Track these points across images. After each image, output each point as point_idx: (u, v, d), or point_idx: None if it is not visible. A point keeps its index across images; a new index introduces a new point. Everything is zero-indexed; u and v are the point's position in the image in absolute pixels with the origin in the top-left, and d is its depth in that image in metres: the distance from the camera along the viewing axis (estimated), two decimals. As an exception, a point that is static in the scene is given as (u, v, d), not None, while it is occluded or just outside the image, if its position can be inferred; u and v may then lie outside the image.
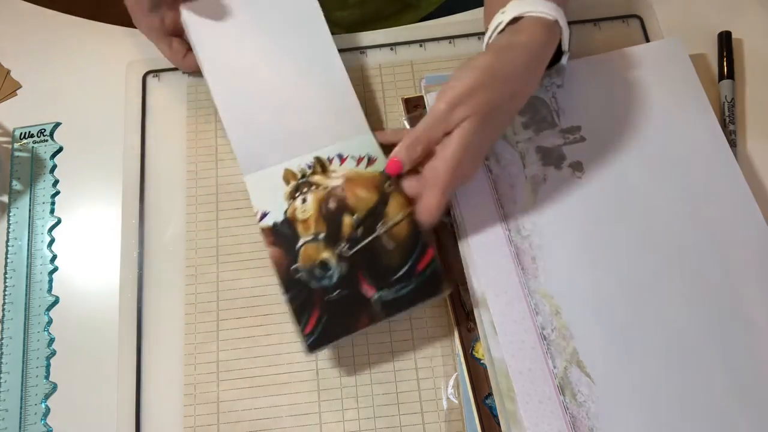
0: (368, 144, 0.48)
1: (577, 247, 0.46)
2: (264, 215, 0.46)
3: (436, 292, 0.43)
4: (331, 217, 0.45)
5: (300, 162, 0.48)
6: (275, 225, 0.45)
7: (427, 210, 0.43)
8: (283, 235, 0.45)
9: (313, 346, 0.42)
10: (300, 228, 0.45)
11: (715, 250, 0.45)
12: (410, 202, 0.44)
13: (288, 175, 0.47)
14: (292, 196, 0.46)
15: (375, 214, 0.45)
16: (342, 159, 0.47)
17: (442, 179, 0.42)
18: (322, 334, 0.42)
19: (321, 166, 0.47)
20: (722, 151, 0.48)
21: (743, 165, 0.50)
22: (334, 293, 0.43)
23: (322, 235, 0.45)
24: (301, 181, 0.47)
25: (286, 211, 0.46)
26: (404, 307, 0.43)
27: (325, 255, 0.44)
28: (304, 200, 0.46)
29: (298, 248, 0.44)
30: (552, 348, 0.43)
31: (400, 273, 0.43)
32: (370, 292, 0.43)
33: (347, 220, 0.45)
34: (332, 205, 0.45)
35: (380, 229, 0.44)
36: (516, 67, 0.43)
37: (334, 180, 0.47)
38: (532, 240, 0.46)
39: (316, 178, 0.47)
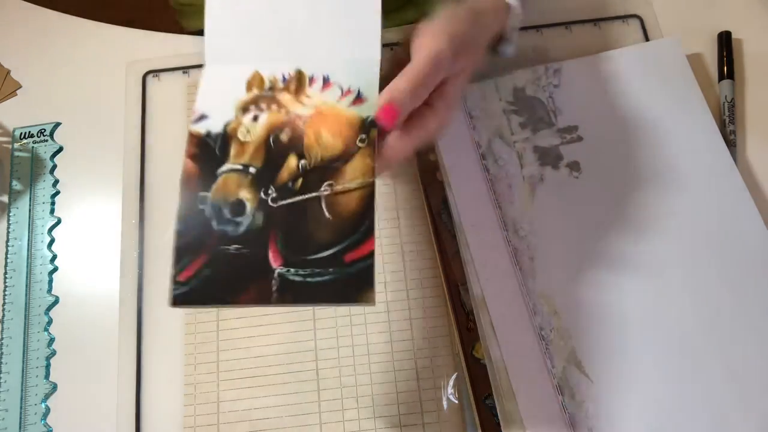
0: (367, 77, 0.37)
1: (574, 248, 0.46)
2: (201, 118, 0.37)
3: (354, 298, 0.33)
4: (275, 152, 0.36)
5: (276, 69, 0.38)
6: (208, 135, 0.36)
7: (401, 144, 0.36)
8: (210, 151, 0.36)
9: (179, 300, 0.34)
10: (233, 150, 0.36)
11: (712, 249, 0.45)
12: (374, 172, 0.36)
13: (255, 80, 0.38)
14: (244, 108, 0.37)
15: (327, 169, 0.35)
16: (326, 84, 0.37)
17: (441, 119, 0.36)
18: (198, 289, 0.34)
19: (298, 83, 0.38)
20: (719, 151, 0.48)
21: (743, 165, 0.50)
22: (233, 246, 0.34)
23: (253, 170, 0.36)
24: (265, 93, 0.37)
25: (228, 124, 0.37)
26: (306, 299, 0.34)
27: (245, 195, 0.35)
28: (255, 118, 0.37)
29: (219, 174, 0.36)
30: (550, 348, 0.43)
31: (322, 255, 0.34)
32: (275, 262, 0.34)
33: (291, 163, 0.36)
34: (284, 137, 0.36)
35: (324, 190, 0.35)
36: (487, 32, 0.41)
37: (303, 108, 0.37)
38: (530, 240, 0.46)
39: (284, 97, 0.37)
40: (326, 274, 0.34)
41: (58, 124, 0.55)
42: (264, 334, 0.48)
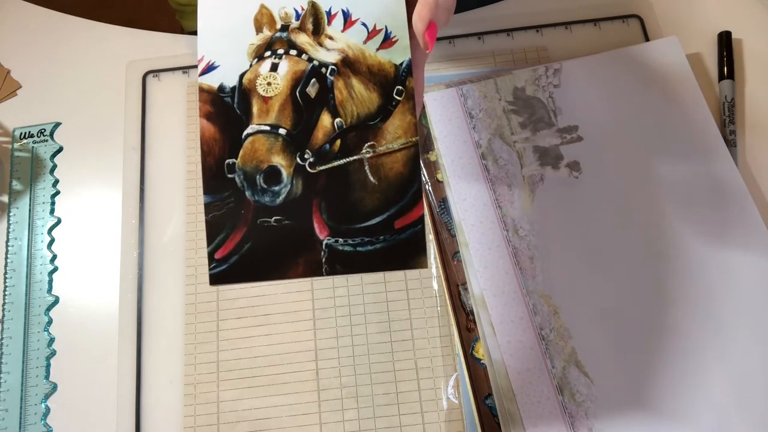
0: (393, 10, 0.33)
1: (574, 247, 0.46)
2: (210, 68, 0.32)
3: (408, 263, 0.32)
4: (304, 109, 0.32)
5: (285, 0, 0.33)
6: (221, 89, 0.32)
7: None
8: (227, 109, 0.32)
9: (218, 278, 0.31)
10: (256, 108, 0.32)
11: (712, 249, 0.45)
12: (416, 129, 0.32)
13: (263, 17, 0.33)
14: (259, 54, 0.32)
15: (366, 128, 0.32)
16: (348, 22, 0.33)
17: None
18: (238, 266, 0.31)
19: (315, 20, 0.33)
20: (719, 151, 0.48)
21: (743, 165, 0.50)
22: (273, 218, 0.31)
23: (283, 131, 0.32)
24: (278, 35, 0.33)
25: (243, 75, 0.32)
26: (357, 268, 0.32)
27: (279, 160, 0.32)
28: (274, 67, 0.32)
29: (245, 137, 0.32)
30: (550, 348, 0.43)
31: (371, 222, 0.32)
32: (321, 232, 0.32)
33: (326, 121, 0.32)
34: (312, 91, 0.32)
35: (366, 152, 0.32)
36: None
37: (327, 53, 0.32)
38: (530, 240, 0.46)
39: (302, 39, 0.33)
40: (377, 243, 0.32)
41: (58, 124, 0.55)
42: (264, 334, 0.48)
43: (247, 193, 0.32)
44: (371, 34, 0.33)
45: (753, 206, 0.46)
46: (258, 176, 0.32)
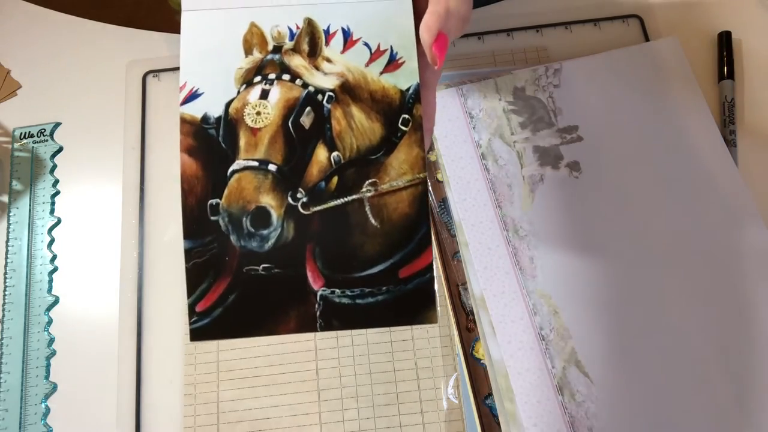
0: (399, 29, 0.29)
1: (574, 247, 0.46)
2: (193, 96, 0.29)
3: (414, 318, 0.28)
4: (297, 142, 0.29)
5: (279, 18, 0.29)
6: (205, 120, 0.29)
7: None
8: (211, 142, 0.29)
9: (199, 334, 0.28)
10: (243, 141, 0.29)
11: (713, 249, 0.45)
12: (425, 164, 0.29)
13: (253, 37, 0.30)
14: (248, 80, 0.29)
15: (367, 163, 0.29)
16: (349, 41, 0.29)
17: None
18: (221, 320, 0.28)
19: (311, 40, 0.29)
20: (719, 151, 0.48)
21: (743, 165, 0.50)
22: (261, 266, 0.28)
23: (273, 167, 0.28)
24: (270, 57, 0.29)
25: (230, 104, 0.29)
26: (357, 323, 0.28)
27: (268, 200, 0.28)
28: (265, 94, 0.29)
29: (230, 174, 0.28)
30: (551, 348, 0.43)
31: (372, 271, 0.28)
32: (316, 282, 0.28)
33: (321, 156, 0.29)
34: (307, 121, 0.29)
35: (367, 191, 0.29)
36: None
37: (324, 77, 0.29)
38: (529, 240, 0.46)
39: (297, 61, 0.29)
40: (379, 294, 0.28)
41: (58, 124, 0.55)
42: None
43: (232, 238, 0.28)
44: (374, 55, 0.29)
45: (753, 206, 0.46)
46: (244, 218, 0.28)
